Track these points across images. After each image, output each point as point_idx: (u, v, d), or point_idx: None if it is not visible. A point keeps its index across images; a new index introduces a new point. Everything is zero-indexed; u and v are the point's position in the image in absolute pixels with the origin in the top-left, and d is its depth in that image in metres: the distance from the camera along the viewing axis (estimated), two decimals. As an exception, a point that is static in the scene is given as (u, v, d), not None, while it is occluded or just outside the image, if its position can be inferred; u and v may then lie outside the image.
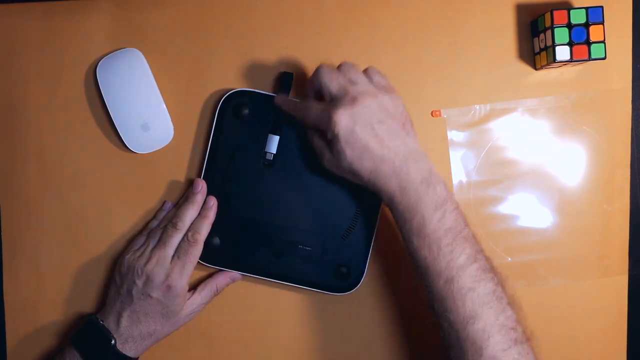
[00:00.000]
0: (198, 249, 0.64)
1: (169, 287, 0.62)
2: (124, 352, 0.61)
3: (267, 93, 0.67)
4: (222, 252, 0.67)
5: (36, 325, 0.70)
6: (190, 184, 0.69)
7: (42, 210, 0.69)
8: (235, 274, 0.68)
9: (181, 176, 0.69)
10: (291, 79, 0.66)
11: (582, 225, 0.70)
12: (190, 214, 0.65)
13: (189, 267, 0.63)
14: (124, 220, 0.69)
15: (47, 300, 0.70)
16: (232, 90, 0.67)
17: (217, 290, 0.67)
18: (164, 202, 0.69)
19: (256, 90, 0.67)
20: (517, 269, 0.70)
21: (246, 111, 0.66)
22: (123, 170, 0.69)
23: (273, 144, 0.66)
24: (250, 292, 0.70)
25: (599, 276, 0.70)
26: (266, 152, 0.66)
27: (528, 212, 0.70)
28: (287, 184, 0.66)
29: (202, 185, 0.66)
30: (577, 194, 0.70)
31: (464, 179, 0.70)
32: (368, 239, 0.67)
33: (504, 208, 0.70)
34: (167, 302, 0.62)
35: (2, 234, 0.70)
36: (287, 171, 0.66)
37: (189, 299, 0.65)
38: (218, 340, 0.70)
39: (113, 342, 0.61)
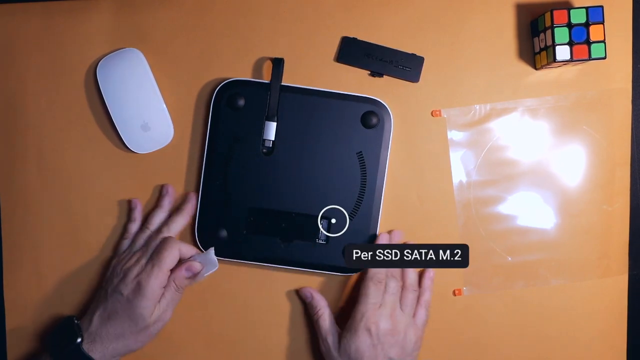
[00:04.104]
0: (169, 248, 0.63)
1: (138, 285, 0.61)
2: (89, 353, 0.60)
3: (260, 81, 0.67)
4: (229, 244, 0.67)
5: (36, 325, 0.70)
6: (188, 186, 0.69)
7: (42, 210, 0.69)
8: (193, 263, 0.64)
9: (181, 176, 0.69)
10: (282, 63, 0.66)
11: (582, 225, 0.70)
12: (158, 215, 0.67)
13: (159, 267, 0.62)
14: (124, 220, 0.69)
15: (47, 300, 0.70)
16: (225, 80, 0.67)
17: (176, 286, 0.64)
18: (130, 200, 0.69)
19: (249, 79, 0.67)
20: (517, 269, 0.70)
21: (241, 101, 0.66)
22: (123, 170, 0.69)
23: (271, 130, 0.66)
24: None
25: (599, 276, 0.70)
26: (265, 139, 0.66)
27: (528, 211, 0.70)
28: (289, 169, 0.66)
29: (167, 189, 0.68)
30: (577, 194, 0.70)
31: (464, 179, 0.70)
32: (375, 217, 0.67)
33: (504, 208, 0.70)
34: (135, 302, 0.61)
35: (2, 233, 0.70)
36: (288, 156, 0.66)
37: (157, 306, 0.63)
38: (223, 333, 0.70)
39: (79, 340, 0.61)
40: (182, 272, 0.63)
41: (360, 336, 0.62)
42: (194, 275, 0.64)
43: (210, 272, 0.65)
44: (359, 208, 0.67)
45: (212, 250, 0.65)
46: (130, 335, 0.62)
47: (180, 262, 0.64)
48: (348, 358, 0.62)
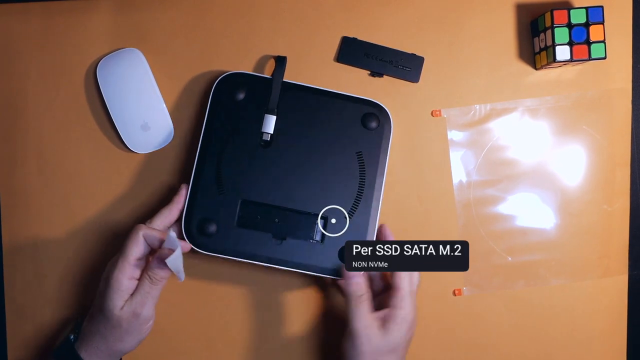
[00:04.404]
0: (131, 237, 0.60)
1: (106, 277, 0.60)
2: (78, 350, 0.61)
3: (262, 75, 0.66)
4: (219, 239, 0.64)
5: (36, 325, 0.70)
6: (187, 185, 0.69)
7: (42, 210, 0.69)
8: (161, 251, 0.59)
9: (181, 176, 0.69)
10: (285, 62, 0.66)
11: (582, 225, 0.70)
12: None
13: (123, 256, 0.59)
14: (124, 220, 0.69)
15: (47, 300, 0.70)
16: (225, 72, 0.66)
17: (149, 278, 0.60)
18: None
19: (251, 73, 0.66)
20: (517, 269, 0.70)
21: (241, 95, 0.65)
22: (123, 170, 0.69)
23: (270, 123, 0.65)
24: (257, 279, 0.70)
25: (599, 276, 0.70)
26: (263, 132, 0.65)
27: (528, 212, 0.70)
28: (286, 163, 0.65)
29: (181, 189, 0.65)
30: (577, 194, 0.70)
31: (464, 179, 0.70)
32: (373, 218, 0.65)
33: (504, 208, 0.70)
34: (104, 294, 0.59)
35: (2, 233, 0.70)
36: (286, 150, 0.65)
37: (128, 300, 0.60)
38: (221, 331, 0.70)
39: (71, 336, 0.62)
40: (152, 263, 0.59)
41: (408, 329, 0.61)
42: (165, 265, 0.57)
43: (179, 255, 0.57)
44: (356, 209, 0.65)
45: (171, 232, 0.57)
46: (106, 331, 0.60)
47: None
48: (387, 348, 0.61)
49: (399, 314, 0.61)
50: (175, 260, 0.57)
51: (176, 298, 0.69)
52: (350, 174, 0.65)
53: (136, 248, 0.60)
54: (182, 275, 0.59)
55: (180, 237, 0.64)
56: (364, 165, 0.65)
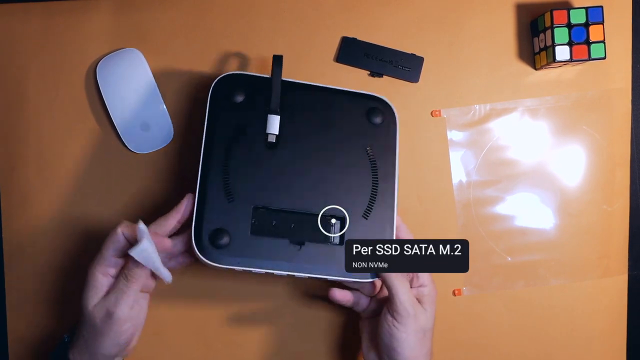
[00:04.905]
0: (110, 233, 0.58)
1: (87, 275, 0.58)
2: (70, 353, 0.59)
3: (259, 75, 0.63)
4: (234, 251, 0.59)
5: (37, 325, 0.69)
6: (189, 187, 0.69)
7: (42, 210, 0.69)
8: (135, 248, 0.55)
9: (181, 176, 0.69)
10: (281, 60, 0.62)
11: (582, 225, 0.70)
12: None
13: (100, 252, 0.58)
14: (123, 219, 0.69)
15: (48, 300, 0.70)
16: (223, 74, 0.63)
17: (125, 275, 0.57)
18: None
19: (248, 73, 0.63)
20: (517, 269, 0.70)
21: (240, 96, 0.62)
22: (123, 171, 0.69)
23: (274, 124, 0.61)
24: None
25: (599, 276, 0.70)
26: (268, 133, 0.61)
27: (528, 212, 0.70)
28: (296, 164, 0.61)
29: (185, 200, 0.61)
30: (577, 194, 0.70)
31: (464, 179, 0.70)
32: (390, 214, 0.62)
33: (503, 208, 0.70)
34: (82, 293, 0.58)
35: (2, 233, 0.70)
36: (293, 151, 0.61)
37: (102, 297, 0.58)
38: (222, 336, 0.70)
39: (65, 338, 0.61)
40: (132, 262, 0.56)
41: (435, 307, 0.62)
42: (137, 262, 0.55)
43: (146, 249, 0.54)
44: (373, 206, 0.62)
45: (140, 224, 0.55)
46: (85, 332, 0.58)
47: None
48: (429, 325, 0.61)
49: (430, 292, 0.62)
50: (143, 253, 0.54)
51: (175, 303, 0.69)
52: (362, 171, 0.62)
53: (113, 244, 0.57)
54: (166, 275, 0.57)
55: (190, 250, 0.60)
56: (375, 160, 0.63)
